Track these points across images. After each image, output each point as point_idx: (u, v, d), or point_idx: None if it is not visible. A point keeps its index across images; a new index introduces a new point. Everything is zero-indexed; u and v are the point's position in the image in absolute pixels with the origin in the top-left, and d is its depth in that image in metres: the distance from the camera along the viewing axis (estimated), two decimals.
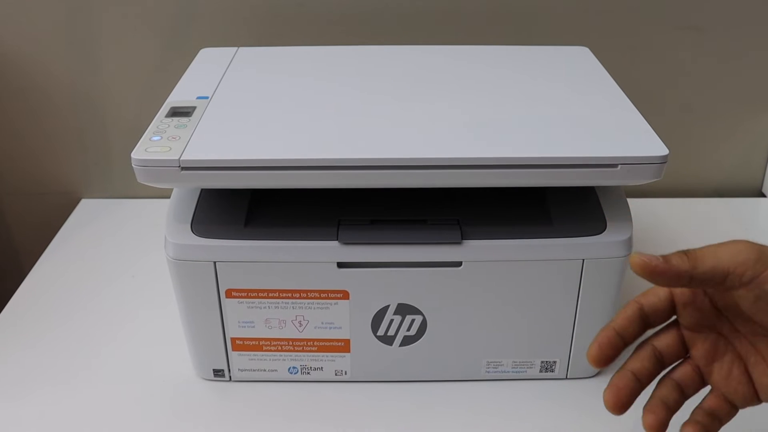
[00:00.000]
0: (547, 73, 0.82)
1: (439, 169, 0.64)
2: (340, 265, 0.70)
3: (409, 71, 0.82)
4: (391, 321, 0.74)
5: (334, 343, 0.75)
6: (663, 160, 0.64)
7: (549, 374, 0.78)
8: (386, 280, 0.71)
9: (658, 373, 0.55)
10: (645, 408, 0.55)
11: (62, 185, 1.13)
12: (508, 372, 0.78)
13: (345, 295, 0.72)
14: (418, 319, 0.73)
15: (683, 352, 0.55)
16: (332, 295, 0.72)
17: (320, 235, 0.69)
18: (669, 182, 1.07)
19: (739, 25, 1.01)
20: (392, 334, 0.74)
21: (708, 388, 0.56)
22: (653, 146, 0.65)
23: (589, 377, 0.79)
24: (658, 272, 0.49)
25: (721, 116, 1.08)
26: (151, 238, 0.98)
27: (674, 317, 0.55)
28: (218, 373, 0.78)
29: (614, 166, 0.64)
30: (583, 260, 0.70)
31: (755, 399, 0.53)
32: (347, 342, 0.75)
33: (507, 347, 0.76)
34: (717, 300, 0.52)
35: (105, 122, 1.08)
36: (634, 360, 0.55)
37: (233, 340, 0.75)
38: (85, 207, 1.13)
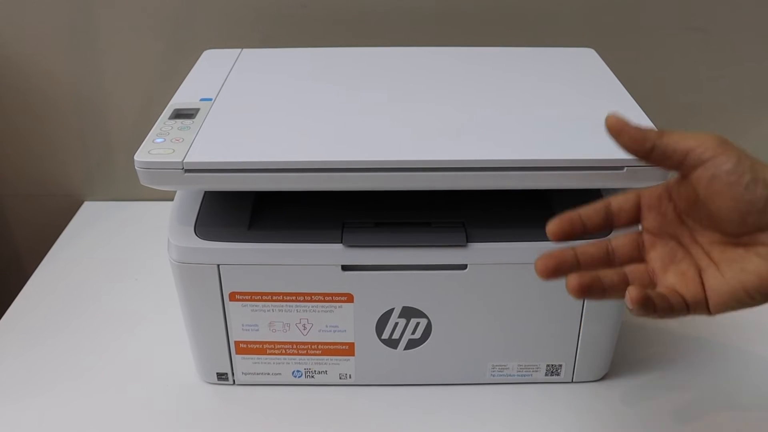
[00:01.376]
0: (552, 75, 0.81)
1: (444, 172, 0.64)
2: (345, 267, 0.70)
3: (414, 73, 0.82)
4: (396, 324, 0.73)
5: (339, 347, 0.75)
6: None
7: (554, 378, 0.78)
8: (391, 283, 0.71)
9: (601, 266, 0.55)
10: (577, 273, 0.54)
11: (65, 188, 1.13)
12: (514, 375, 0.78)
13: (349, 298, 0.71)
14: (423, 322, 0.73)
15: (637, 257, 0.56)
16: (336, 298, 0.71)
17: (324, 237, 0.69)
18: None
19: (744, 27, 1.00)
20: (397, 337, 0.74)
21: None
22: None
23: (595, 381, 0.79)
24: (626, 130, 0.52)
25: (727, 118, 1.08)
26: (155, 241, 0.98)
27: (637, 228, 0.56)
28: (222, 376, 0.78)
29: (620, 168, 0.64)
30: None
31: (703, 305, 0.52)
32: (352, 345, 0.75)
33: (512, 350, 0.76)
34: (679, 201, 0.54)
35: (108, 124, 1.08)
36: (582, 243, 0.55)
37: (237, 343, 0.75)
38: (88, 209, 1.13)
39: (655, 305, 0.52)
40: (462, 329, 0.74)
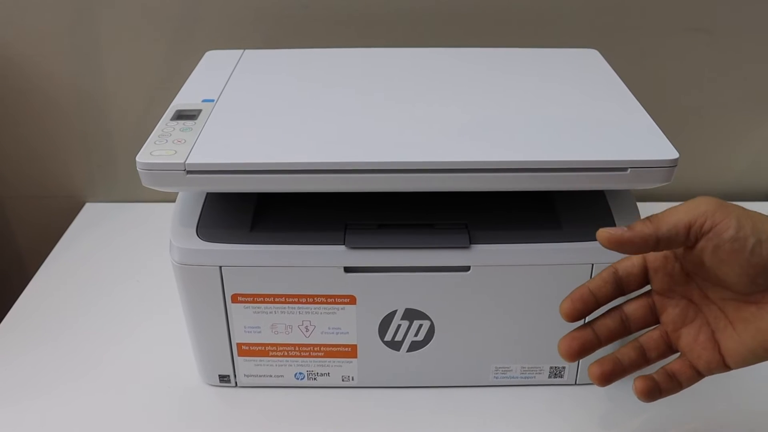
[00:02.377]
0: (556, 76, 0.81)
1: (447, 173, 0.64)
2: (347, 269, 0.69)
3: (417, 74, 0.81)
4: (399, 326, 0.73)
5: (341, 349, 0.75)
6: (673, 164, 0.64)
7: (558, 380, 0.78)
8: (394, 285, 0.70)
9: (620, 335, 0.57)
10: (596, 360, 0.56)
11: (66, 189, 1.13)
12: (517, 378, 0.77)
13: (352, 299, 0.71)
14: (426, 324, 0.73)
15: (651, 320, 0.57)
16: (339, 300, 0.71)
17: (327, 239, 0.69)
18: (679, 186, 1.06)
19: (748, 27, 1.00)
20: (400, 339, 0.74)
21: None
22: (663, 150, 0.65)
23: None
24: (625, 241, 0.51)
25: (731, 119, 1.08)
26: (156, 243, 0.97)
27: (647, 288, 0.57)
28: (224, 378, 0.77)
29: (624, 169, 0.64)
30: (593, 265, 0.69)
31: (721, 365, 0.54)
32: (354, 347, 0.74)
33: (515, 353, 0.76)
34: (686, 264, 0.54)
35: (109, 125, 1.08)
36: (598, 318, 0.57)
37: (239, 345, 0.74)
38: (90, 211, 1.13)
39: (661, 390, 0.55)
40: (465, 331, 0.74)
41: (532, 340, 0.75)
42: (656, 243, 0.51)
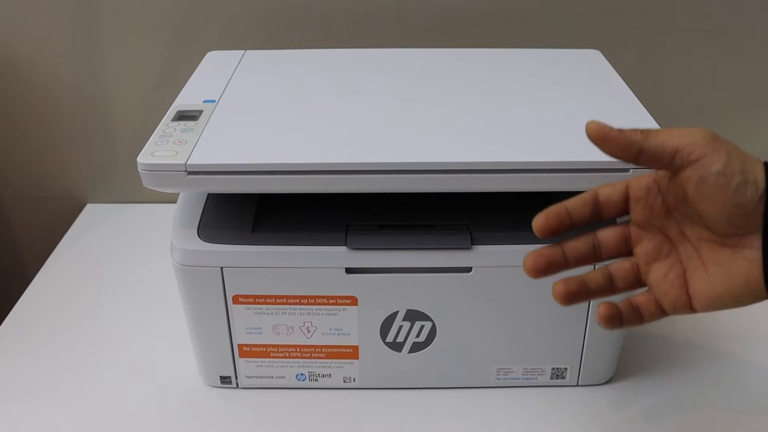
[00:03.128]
0: (558, 77, 0.81)
1: (449, 174, 0.63)
2: (349, 270, 0.69)
3: (418, 75, 0.81)
4: (400, 327, 0.73)
5: (343, 350, 0.74)
6: None
7: (560, 381, 0.78)
8: (395, 286, 0.70)
9: (589, 261, 0.55)
10: (563, 279, 0.54)
11: (67, 189, 1.13)
12: (519, 379, 0.77)
13: (353, 301, 0.71)
14: (428, 325, 0.73)
15: (624, 250, 0.55)
16: (340, 301, 0.71)
17: (328, 240, 0.69)
18: None
19: (749, 27, 1.00)
20: (401, 340, 0.74)
21: None
22: None
23: (601, 384, 0.78)
24: (610, 137, 0.50)
25: (732, 119, 1.07)
26: (158, 244, 0.97)
27: (625, 219, 0.55)
28: (225, 379, 0.77)
29: (626, 170, 0.64)
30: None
31: (686, 306, 0.52)
32: (356, 348, 0.74)
33: (517, 354, 0.76)
34: (668, 196, 0.53)
35: (111, 126, 1.07)
36: (569, 238, 0.55)
37: (240, 346, 0.74)
38: (91, 211, 1.13)
39: (622, 319, 0.53)
40: (467, 332, 0.73)
41: (534, 341, 0.75)
42: (639, 153, 0.49)
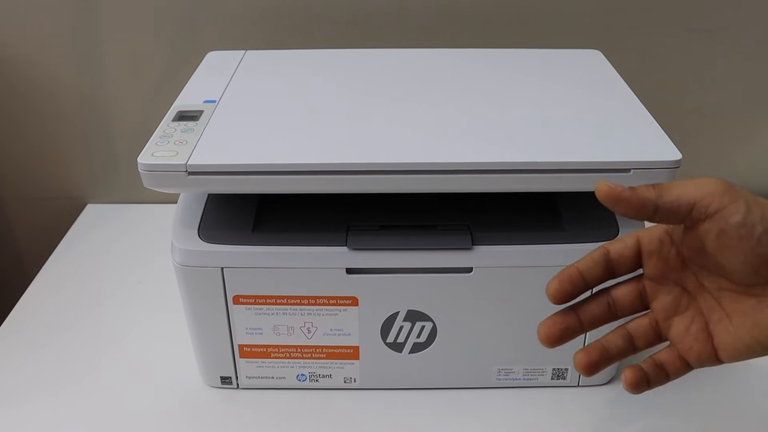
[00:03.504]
0: (559, 77, 0.81)
1: (450, 174, 0.63)
2: (349, 271, 0.69)
3: (419, 75, 0.81)
4: (401, 327, 0.73)
5: (343, 350, 0.74)
6: (676, 165, 0.64)
7: (560, 381, 0.78)
8: (396, 286, 0.70)
9: (605, 321, 0.54)
10: (582, 348, 0.54)
11: (68, 190, 1.13)
12: (520, 379, 0.77)
13: (354, 301, 0.71)
14: (428, 325, 0.73)
15: (640, 306, 0.54)
16: (341, 302, 0.71)
17: (329, 240, 0.69)
18: None
19: (750, 27, 1.00)
20: (402, 340, 0.74)
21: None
22: (666, 150, 0.65)
23: (601, 384, 0.78)
24: (623, 198, 0.48)
25: (733, 120, 1.07)
26: (158, 244, 0.97)
27: (639, 272, 0.54)
28: (225, 380, 0.77)
29: (627, 170, 0.64)
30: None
31: (713, 358, 0.51)
32: (356, 349, 0.74)
33: (518, 354, 0.76)
34: (684, 249, 0.51)
35: (111, 126, 1.07)
36: (583, 301, 0.54)
37: (241, 347, 0.74)
38: (91, 212, 1.13)
39: (649, 381, 0.53)
40: (467, 333, 0.73)
41: (535, 341, 0.74)
42: (654, 211, 0.48)
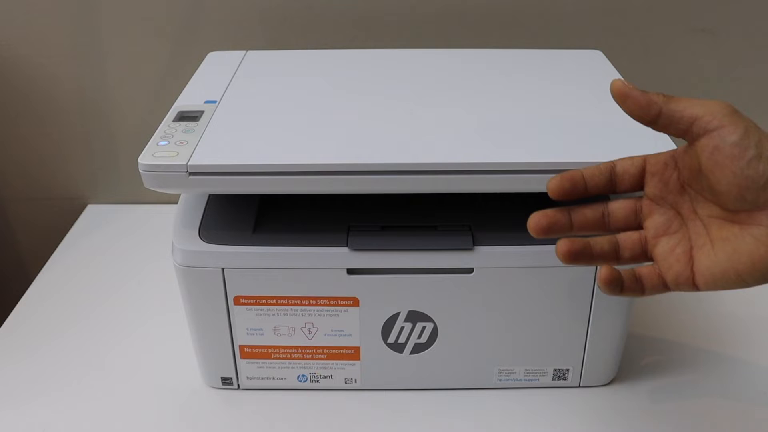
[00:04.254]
0: (560, 77, 0.81)
1: (451, 175, 0.63)
2: (350, 271, 0.69)
3: (420, 75, 0.81)
4: (402, 328, 0.73)
5: (344, 351, 0.74)
6: None
7: (562, 382, 0.77)
8: (397, 287, 0.70)
9: (595, 228, 0.56)
10: (568, 238, 0.55)
11: (68, 190, 1.13)
12: (521, 380, 0.77)
13: (355, 302, 0.71)
14: (429, 326, 0.73)
15: (633, 223, 0.56)
16: (342, 302, 0.71)
17: (330, 241, 0.68)
18: None
19: (752, 28, 1.00)
20: (403, 341, 0.74)
21: None
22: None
23: (603, 385, 0.78)
24: (631, 95, 0.51)
25: None
26: (158, 245, 0.97)
27: (638, 194, 0.56)
28: (226, 381, 0.77)
29: None
30: (597, 267, 0.69)
31: (689, 282, 0.52)
32: (357, 349, 0.74)
33: (519, 355, 0.75)
34: (683, 171, 0.53)
35: (111, 127, 1.07)
36: (578, 205, 0.56)
37: (241, 347, 0.74)
38: (92, 212, 1.12)
39: (623, 287, 0.54)
40: (468, 333, 0.73)
41: (536, 342, 0.74)
42: (658, 114, 0.51)
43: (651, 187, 0.55)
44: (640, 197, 0.56)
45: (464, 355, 0.75)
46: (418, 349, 0.74)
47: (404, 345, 0.74)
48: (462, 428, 0.74)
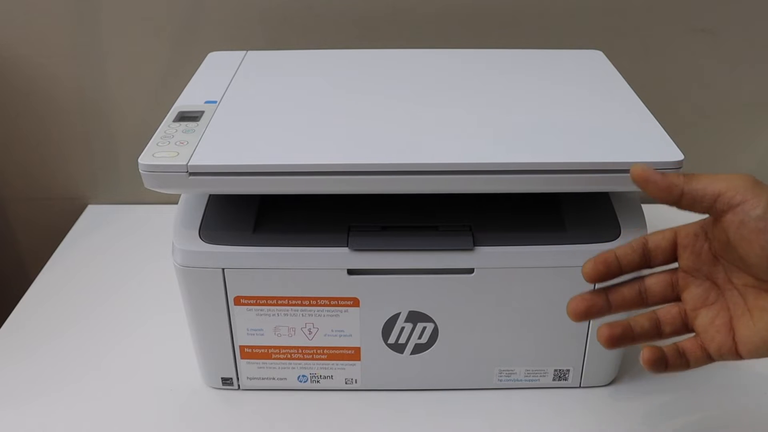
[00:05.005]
0: (560, 77, 0.81)
1: (451, 175, 0.63)
2: (351, 272, 0.69)
3: (421, 75, 0.81)
4: (402, 328, 0.73)
5: (345, 351, 0.74)
6: (678, 166, 0.63)
7: (562, 383, 0.77)
8: (397, 288, 0.70)
9: (634, 306, 0.56)
10: (607, 322, 0.56)
11: (69, 191, 1.13)
12: (521, 380, 0.77)
13: (355, 302, 0.71)
14: (430, 326, 0.73)
15: (670, 296, 0.56)
16: (342, 303, 0.71)
17: (330, 241, 0.68)
18: None
19: (753, 28, 1.00)
20: (403, 341, 0.74)
21: None
22: (668, 151, 0.65)
23: (603, 386, 0.78)
24: (652, 180, 0.52)
25: (736, 120, 1.07)
26: (159, 245, 0.97)
27: (673, 265, 0.56)
28: (226, 381, 0.77)
29: (628, 171, 0.63)
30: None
31: (732, 352, 0.53)
32: (357, 350, 0.74)
33: (520, 355, 0.75)
34: (714, 243, 0.54)
35: (112, 127, 1.07)
36: (614, 285, 0.56)
37: (242, 348, 0.74)
38: (92, 213, 1.12)
39: (667, 364, 0.54)
40: (469, 334, 0.73)
41: (537, 342, 0.74)
42: (680, 195, 0.51)
43: (684, 259, 0.55)
44: (675, 269, 0.56)
45: (465, 356, 0.75)
46: (418, 349, 0.74)
47: (405, 345, 0.74)
48: (462, 428, 0.74)
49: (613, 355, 0.76)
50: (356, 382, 0.77)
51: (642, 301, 0.56)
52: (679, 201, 0.51)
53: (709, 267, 0.55)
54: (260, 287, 0.70)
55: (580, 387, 0.78)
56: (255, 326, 0.72)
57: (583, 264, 0.55)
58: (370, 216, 0.71)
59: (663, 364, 0.54)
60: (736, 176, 0.50)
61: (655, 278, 0.56)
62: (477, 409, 0.76)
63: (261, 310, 0.71)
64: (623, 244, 0.55)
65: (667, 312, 0.56)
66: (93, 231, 1.08)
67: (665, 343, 0.55)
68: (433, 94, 0.76)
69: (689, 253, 0.55)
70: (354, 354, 0.74)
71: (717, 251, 0.54)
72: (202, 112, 0.72)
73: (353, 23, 0.99)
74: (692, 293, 0.55)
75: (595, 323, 0.72)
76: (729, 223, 0.50)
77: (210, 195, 0.74)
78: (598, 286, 0.56)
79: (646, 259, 0.55)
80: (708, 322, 0.54)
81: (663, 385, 0.79)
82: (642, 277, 0.57)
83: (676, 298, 0.56)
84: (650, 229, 0.70)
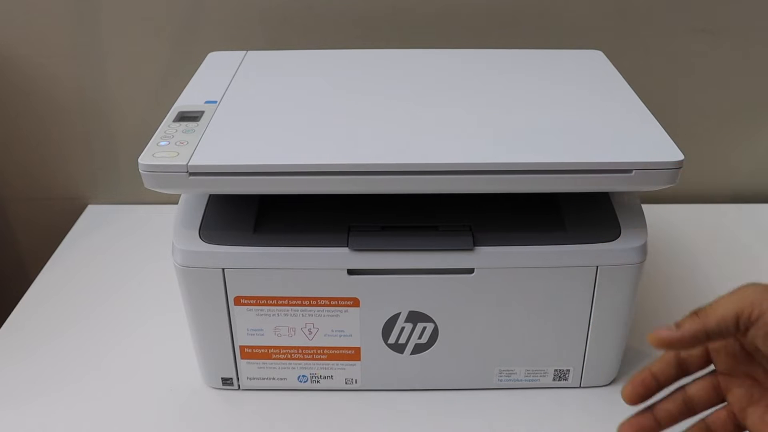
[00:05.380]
0: (560, 77, 0.81)
1: (451, 175, 0.63)
2: (351, 272, 0.69)
3: (421, 75, 0.81)
4: (402, 328, 0.73)
5: (345, 351, 0.74)
6: (678, 166, 0.63)
7: (562, 383, 0.77)
8: (397, 288, 0.70)
9: (682, 417, 0.55)
10: None
11: (69, 191, 1.13)
12: (521, 380, 0.77)
13: (355, 302, 0.71)
14: (430, 326, 0.72)
15: (716, 400, 0.55)
16: (342, 303, 0.71)
17: (330, 241, 0.68)
18: (684, 188, 1.06)
19: (753, 28, 1.00)
20: (403, 341, 0.74)
21: None
22: (668, 151, 0.65)
23: (603, 386, 0.78)
24: (675, 341, 0.50)
25: (737, 120, 1.07)
26: (159, 245, 0.97)
27: (711, 368, 0.55)
28: (227, 381, 0.77)
29: (629, 171, 0.63)
30: (597, 267, 0.69)
31: None
32: (357, 350, 0.74)
33: (520, 355, 0.75)
34: (746, 344, 0.53)
35: (112, 127, 1.07)
36: (659, 401, 0.56)
37: (242, 348, 0.74)
38: (92, 213, 1.12)
39: None
40: (469, 334, 0.73)
41: (537, 342, 0.74)
42: (706, 337, 0.50)
43: (720, 363, 0.55)
44: (715, 372, 0.55)
45: (465, 356, 0.75)
46: (418, 349, 0.74)
47: (405, 345, 0.74)
48: (463, 429, 0.74)
49: (613, 356, 0.76)
50: (356, 382, 0.77)
51: (689, 410, 0.55)
52: (708, 341, 0.50)
53: (746, 366, 0.54)
54: (260, 287, 0.70)
55: (580, 387, 0.78)
56: (255, 326, 0.72)
57: (623, 388, 0.54)
58: (370, 216, 0.71)
59: None
60: (746, 291, 0.50)
61: (696, 385, 0.55)
62: (477, 409, 0.76)
63: (261, 310, 0.71)
64: (656, 360, 0.55)
65: (717, 417, 0.55)
66: (93, 231, 1.08)
67: None
68: (433, 94, 0.76)
69: (723, 356, 0.54)
70: (354, 354, 0.74)
71: (750, 349, 0.53)
72: (202, 112, 0.72)
73: (353, 23, 0.99)
74: (736, 394, 0.54)
75: (596, 323, 0.72)
76: (755, 336, 0.49)
77: (210, 195, 0.74)
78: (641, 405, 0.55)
79: (682, 369, 0.55)
80: (757, 420, 0.53)
81: None
82: (683, 387, 0.56)
83: (722, 400, 0.55)
84: (650, 230, 0.70)
